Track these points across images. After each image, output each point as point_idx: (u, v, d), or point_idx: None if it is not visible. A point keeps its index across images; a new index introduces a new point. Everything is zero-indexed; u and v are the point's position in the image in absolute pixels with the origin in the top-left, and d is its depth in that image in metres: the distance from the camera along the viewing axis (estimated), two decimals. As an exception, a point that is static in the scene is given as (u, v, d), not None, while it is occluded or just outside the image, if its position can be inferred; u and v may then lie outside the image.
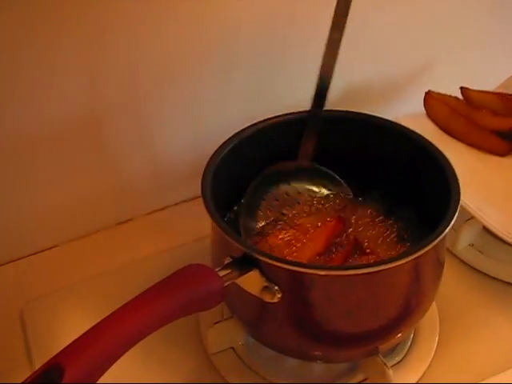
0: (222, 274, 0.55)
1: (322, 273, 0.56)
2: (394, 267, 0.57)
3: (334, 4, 0.68)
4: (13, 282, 0.82)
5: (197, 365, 0.71)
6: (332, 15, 0.68)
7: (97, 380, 0.46)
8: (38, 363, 0.69)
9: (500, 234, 0.76)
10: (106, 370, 0.46)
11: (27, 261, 0.85)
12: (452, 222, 0.59)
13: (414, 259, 0.57)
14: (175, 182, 0.90)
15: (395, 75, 0.99)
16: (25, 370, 0.72)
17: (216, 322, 0.69)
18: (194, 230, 0.83)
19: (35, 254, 0.86)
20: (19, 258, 0.85)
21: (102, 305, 0.76)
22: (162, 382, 0.69)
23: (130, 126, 0.84)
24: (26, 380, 0.45)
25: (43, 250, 0.86)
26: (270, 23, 0.85)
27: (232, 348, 0.71)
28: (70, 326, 0.75)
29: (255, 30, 0.84)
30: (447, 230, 0.59)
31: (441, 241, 0.59)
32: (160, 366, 0.71)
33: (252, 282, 0.57)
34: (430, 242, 0.58)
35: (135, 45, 0.77)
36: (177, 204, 0.92)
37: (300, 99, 0.91)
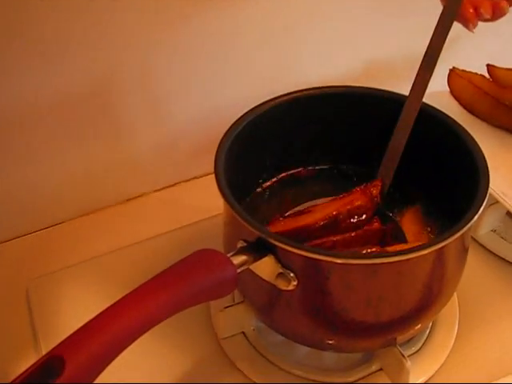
0: (235, 260, 0.52)
1: (341, 261, 0.53)
2: (419, 257, 0.54)
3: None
4: (18, 259, 0.80)
5: (207, 349, 0.69)
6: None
7: (100, 372, 0.43)
8: (43, 341, 0.69)
9: (526, 221, 0.73)
10: (110, 362, 0.43)
11: (33, 237, 0.83)
12: (480, 210, 0.57)
13: (439, 249, 0.55)
14: (187, 158, 0.88)
15: (418, 51, 0.95)
16: (30, 347, 0.70)
17: (227, 307, 0.67)
18: (205, 208, 0.80)
19: (41, 230, 0.83)
20: (25, 234, 0.83)
21: (110, 284, 0.75)
22: (171, 367, 0.67)
23: (141, 100, 0.81)
24: (27, 370, 0.42)
25: (49, 227, 0.84)
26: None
27: (243, 333, 0.69)
28: (76, 304, 0.74)
29: (275, 4, 0.81)
30: (475, 218, 0.56)
31: (467, 230, 0.56)
32: (169, 351, 0.69)
33: (266, 268, 0.55)
34: (456, 232, 0.55)
35: (144, 20, 0.75)
36: (188, 180, 0.89)
37: (322, 75, 0.89)
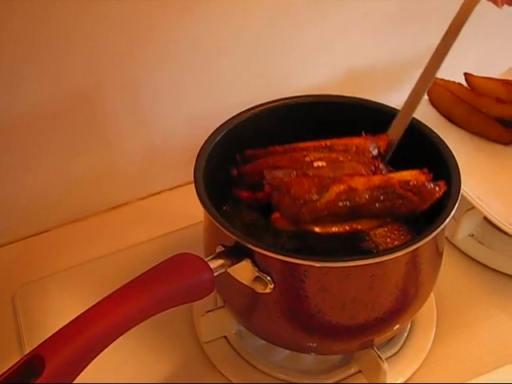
0: (212, 263, 0.53)
1: (317, 264, 0.54)
2: (391, 260, 0.55)
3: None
4: (4, 267, 0.81)
5: (189, 353, 0.70)
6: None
7: (79, 372, 0.44)
8: (29, 347, 0.70)
9: (500, 225, 0.75)
10: (89, 362, 0.45)
11: (18, 245, 0.84)
12: (452, 213, 0.58)
13: (412, 251, 0.56)
14: (170, 167, 0.89)
15: (398, 61, 0.97)
16: (15, 353, 0.71)
17: (208, 311, 0.68)
18: (189, 216, 0.81)
19: (27, 238, 0.85)
20: (10, 243, 0.84)
21: (94, 290, 0.76)
22: (153, 371, 0.68)
23: (126, 110, 0.83)
24: (9, 369, 0.43)
25: (35, 234, 0.85)
26: (276, 5, 0.84)
27: (224, 337, 0.70)
28: (62, 310, 0.75)
29: (259, 11, 0.83)
30: (446, 221, 0.57)
31: (440, 232, 0.58)
32: (152, 354, 0.70)
33: (244, 271, 0.56)
34: (428, 234, 0.56)
35: (133, 29, 0.76)
36: (172, 189, 0.91)
37: (305, 83, 0.91)
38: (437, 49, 0.65)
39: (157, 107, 0.84)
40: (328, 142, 0.64)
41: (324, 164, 0.61)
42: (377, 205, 0.57)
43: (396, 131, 0.66)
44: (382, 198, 0.57)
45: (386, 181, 0.58)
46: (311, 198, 0.56)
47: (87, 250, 0.82)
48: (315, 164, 0.61)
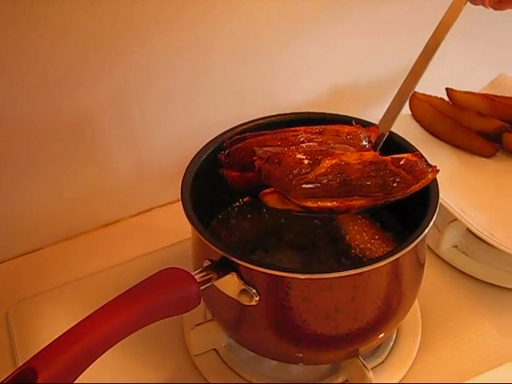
0: (198, 277, 0.55)
1: (299, 276, 0.56)
2: (373, 270, 0.57)
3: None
4: (-2, 284, 0.83)
5: (180, 366, 0.71)
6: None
7: (71, 383, 0.46)
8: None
9: (483, 236, 0.76)
10: (80, 373, 0.46)
11: (12, 263, 0.85)
12: (430, 224, 0.60)
13: (392, 261, 0.58)
14: (161, 184, 0.91)
15: (381, 77, 0.99)
16: (9, 369, 0.71)
17: (198, 324, 0.70)
18: (179, 232, 0.83)
19: (19, 256, 0.86)
20: (3, 261, 0.85)
21: (87, 306, 0.76)
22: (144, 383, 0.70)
23: (117, 129, 0.85)
24: (2, 382, 0.45)
25: (28, 253, 0.86)
26: (260, 25, 0.86)
27: (214, 349, 0.71)
28: (55, 327, 0.74)
29: (244, 31, 0.86)
30: (425, 231, 0.59)
31: (420, 242, 0.59)
32: (143, 368, 0.71)
33: (230, 284, 0.58)
34: (408, 244, 0.58)
35: (121, 49, 0.79)
36: (162, 206, 0.93)
37: (290, 100, 0.93)
38: (427, 44, 0.68)
39: (146, 127, 0.86)
40: (320, 128, 0.64)
41: (316, 145, 0.61)
42: (369, 181, 0.57)
43: (386, 124, 0.68)
44: (373, 174, 0.57)
45: (378, 157, 0.58)
46: (302, 170, 0.56)
47: (80, 267, 0.83)
48: (306, 144, 0.61)
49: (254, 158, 0.58)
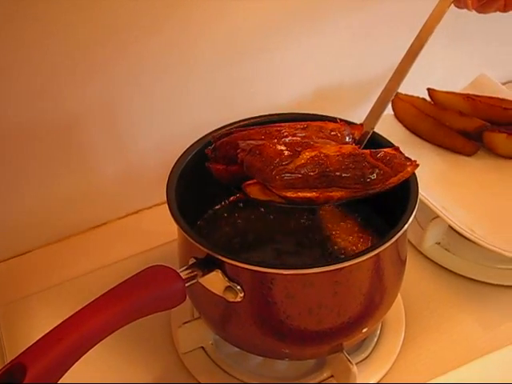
0: (183, 274, 0.56)
1: (281, 272, 0.58)
2: (354, 265, 0.58)
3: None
4: (-14, 288, 0.83)
5: (168, 364, 0.73)
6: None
7: (59, 378, 0.47)
8: None
9: (463, 232, 0.78)
10: (68, 368, 0.48)
11: (2, 265, 0.86)
12: (410, 220, 0.61)
13: (372, 257, 0.59)
14: (148, 186, 0.92)
15: (365, 78, 1.01)
16: None
17: (185, 322, 0.71)
18: (166, 233, 0.83)
19: (9, 259, 0.87)
20: (-6, 264, 0.86)
21: (77, 308, 0.78)
22: (133, 382, 0.71)
23: (104, 132, 0.86)
24: (-10, 379, 0.46)
25: (17, 256, 0.87)
26: (244, 27, 0.88)
27: (202, 347, 0.72)
28: (45, 328, 0.74)
29: (228, 33, 0.87)
30: (405, 227, 0.61)
31: (400, 238, 0.61)
32: (132, 366, 0.72)
33: (215, 282, 0.59)
34: (388, 239, 0.59)
35: (107, 56, 0.80)
36: (150, 207, 0.94)
37: (273, 101, 0.94)
38: (411, 46, 0.69)
39: (132, 129, 0.87)
40: (304, 124, 0.65)
41: (299, 139, 0.62)
42: (347, 173, 0.58)
43: (370, 122, 0.69)
44: (352, 166, 0.59)
45: (357, 150, 0.60)
46: (283, 161, 0.58)
47: (68, 269, 0.84)
48: (289, 138, 0.62)
49: (238, 151, 0.60)
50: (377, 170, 0.59)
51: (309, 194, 0.58)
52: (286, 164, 0.57)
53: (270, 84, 0.95)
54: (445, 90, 0.96)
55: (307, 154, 0.58)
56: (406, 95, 0.95)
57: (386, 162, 0.60)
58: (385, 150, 0.61)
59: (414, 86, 0.93)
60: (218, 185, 0.72)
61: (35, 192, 0.85)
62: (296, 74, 0.96)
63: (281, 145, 0.59)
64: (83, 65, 0.79)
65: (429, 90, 0.96)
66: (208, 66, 0.88)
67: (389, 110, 0.94)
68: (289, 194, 0.58)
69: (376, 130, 0.70)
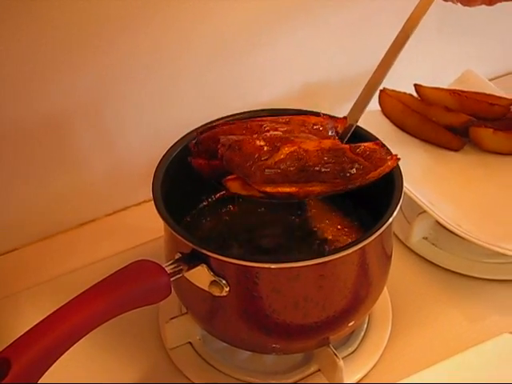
0: (169, 268, 0.57)
1: (266, 266, 0.58)
2: (339, 259, 0.59)
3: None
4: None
5: (155, 360, 0.73)
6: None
7: (44, 372, 0.47)
8: None
9: (449, 227, 0.79)
10: (53, 362, 0.48)
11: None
12: (395, 213, 0.61)
13: (357, 250, 0.59)
14: (136, 183, 0.92)
15: (352, 75, 1.01)
16: None
17: (172, 318, 0.71)
18: (154, 230, 0.83)
19: (-2, 256, 0.87)
20: (-22, 262, 0.86)
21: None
22: (120, 377, 0.71)
23: (89, 129, 0.86)
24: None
25: (4, 253, 0.87)
26: (231, 25, 0.88)
27: (189, 343, 0.73)
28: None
29: (216, 31, 0.87)
30: (390, 221, 0.61)
31: (385, 231, 0.61)
32: (119, 362, 0.73)
33: (200, 276, 0.59)
34: (373, 233, 0.60)
35: (96, 54, 0.80)
36: (138, 204, 0.94)
37: (261, 97, 0.94)
38: (396, 38, 0.69)
39: (120, 126, 0.87)
40: (286, 118, 0.66)
41: (280, 133, 0.62)
42: (327, 168, 0.59)
43: (354, 115, 0.69)
44: (332, 160, 0.59)
45: (336, 144, 0.60)
46: (262, 156, 0.58)
47: (56, 266, 0.84)
48: (270, 133, 0.62)
49: (218, 145, 0.60)
50: (356, 165, 0.59)
51: (288, 189, 0.58)
52: (266, 159, 0.58)
53: (259, 81, 0.95)
54: (432, 85, 0.96)
55: (286, 149, 0.58)
56: (393, 91, 0.95)
57: (365, 156, 0.60)
58: (365, 144, 0.61)
59: (401, 81, 0.94)
60: (205, 181, 0.73)
61: (22, 190, 0.85)
62: (284, 70, 0.96)
63: (260, 140, 0.59)
64: (71, 61, 0.79)
65: (416, 85, 0.96)
66: (196, 64, 0.88)
67: (376, 106, 0.95)
68: (268, 189, 0.58)
69: (363, 125, 0.71)
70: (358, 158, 0.60)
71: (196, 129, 0.71)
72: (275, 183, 0.58)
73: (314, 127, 0.65)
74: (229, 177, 0.59)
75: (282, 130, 0.63)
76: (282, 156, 0.58)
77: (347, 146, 0.61)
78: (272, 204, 0.69)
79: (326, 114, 0.68)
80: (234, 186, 0.59)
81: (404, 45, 0.69)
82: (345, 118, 0.68)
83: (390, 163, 0.61)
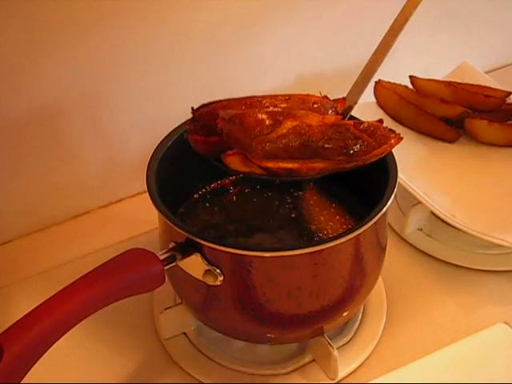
0: (162, 257, 0.56)
1: (259, 254, 0.58)
2: (332, 247, 0.58)
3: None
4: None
5: (150, 350, 0.73)
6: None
7: (36, 360, 0.47)
8: None
9: (444, 217, 0.79)
10: (45, 350, 0.48)
11: (-17, 255, 0.86)
12: (389, 203, 0.61)
13: (351, 239, 0.59)
14: (130, 175, 0.92)
15: (347, 66, 1.01)
16: None
17: (167, 308, 0.71)
18: (149, 221, 0.83)
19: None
20: (-28, 254, 0.86)
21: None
22: (115, 368, 0.71)
23: (84, 121, 0.86)
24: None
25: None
26: (224, 18, 0.87)
27: (184, 333, 0.73)
28: None
29: (208, 24, 0.87)
30: (384, 210, 0.61)
31: (379, 220, 0.61)
32: (114, 352, 0.72)
33: (194, 265, 0.59)
34: (366, 222, 0.60)
35: (91, 42, 0.80)
36: (132, 196, 0.94)
37: (256, 89, 0.94)
38: (395, 20, 0.68)
39: (114, 118, 0.87)
40: (286, 96, 0.64)
41: (279, 110, 0.61)
42: (330, 144, 0.57)
43: (353, 96, 0.68)
44: (335, 136, 0.58)
45: (340, 120, 0.59)
46: (263, 130, 0.57)
47: (50, 258, 0.84)
48: (271, 108, 0.61)
49: (217, 119, 0.59)
50: (360, 142, 0.58)
51: (290, 165, 0.57)
52: (267, 133, 0.56)
53: (253, 74, 0.95)
54: (427, 77, 0.96)
55: (289, 123, 0.57)
56: (388, 83, 0.95)
57: (369, 133, 0.59)
58: (368, 121, 0.61)
59: (397, 73, 0.94)
60: (200, 171, 0.73)
61: (16, 182, 0.85)
62: (278, 63, 0.96)
63: (262, 114, 0.58)
64: (64, 53, 0.79)
65: (411, 77, 0.96)
66: (190, 57, 0.88)
67: (371, 98, 0.94)
68: (269, 165, 0.57)
69: (358, 116, 0.71)
70: (362, 134, 0.58)
71: (188, 120, 0.71)
72: (277, 158, 0.57)
73: (314, 105, 0.63)
74: (228, 152, 0.58)
75: (282, 106, 0.61)
76: (284, 130, 0.56)
77: (351, 122, 0.60)
78: (271, 184, 0.67)
79: (325, 96, 0.67)
80: (234, 161, 0.58)
81: (403, 27, 0.67)
82: (344, 98, 0.67)
83: (393, 141, 0.60)
